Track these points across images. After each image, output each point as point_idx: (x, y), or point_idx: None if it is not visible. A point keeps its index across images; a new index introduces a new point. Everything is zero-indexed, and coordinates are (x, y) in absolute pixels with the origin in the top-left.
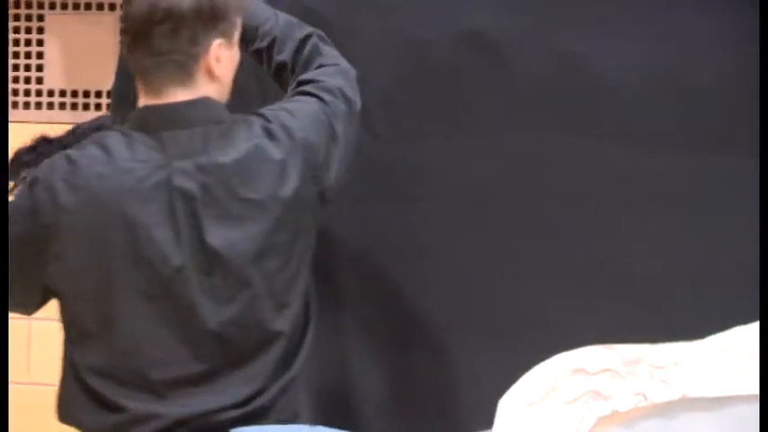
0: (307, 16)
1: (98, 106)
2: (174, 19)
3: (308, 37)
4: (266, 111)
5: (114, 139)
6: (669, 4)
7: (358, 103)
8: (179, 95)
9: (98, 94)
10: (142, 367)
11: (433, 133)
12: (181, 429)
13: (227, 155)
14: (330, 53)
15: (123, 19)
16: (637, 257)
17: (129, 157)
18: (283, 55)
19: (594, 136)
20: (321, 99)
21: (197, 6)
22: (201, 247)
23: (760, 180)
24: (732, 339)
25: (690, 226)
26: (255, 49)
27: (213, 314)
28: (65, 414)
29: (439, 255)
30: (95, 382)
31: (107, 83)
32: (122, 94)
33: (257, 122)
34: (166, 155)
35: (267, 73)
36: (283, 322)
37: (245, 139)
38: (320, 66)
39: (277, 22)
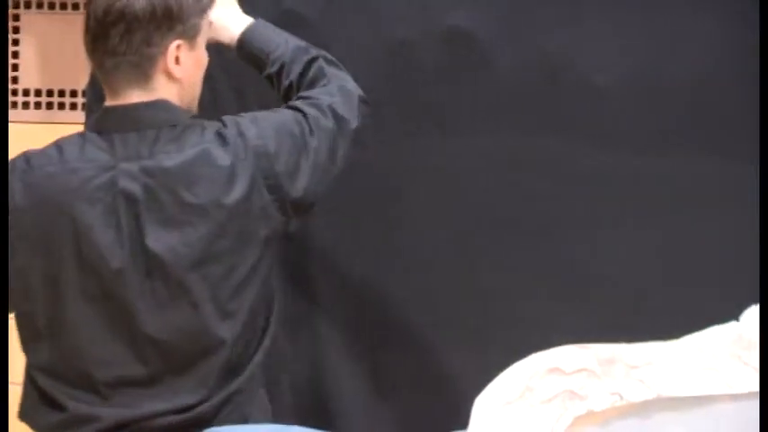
0: (289, 18)
1: (73, 105)
2: (127, 20)
3: (313, 60)
4: (229, 117)
5: (70, 141)
6: (647, 4)
7: (352, 123)
8: (135, 97)
9: (73, 94)
10: (87, 368)
11: (414, 132)
12: None
13: (173, 159)
14: (335, 74)
15: (85, 19)
16: (613, 258)
17: (77, 158)
18: (289, 78)
19: (576, 136)
20: (300, 111)
21: (150, 8)
22: (142, 250)
23: (760, 181)
24: (708, 339)
25: (664, 226)
26: (267, 75)
27: (152, 318)
28: (21, 413)
29: (414, 254)
30: (44, 382)
31: (82, 82)
32: (97, 94)
33: (212, 127)
34: (114, 156)
35: (278, 98)
36: (227, 330)
37: (193, 144)
38: (323, 86)
39: (287, 48)
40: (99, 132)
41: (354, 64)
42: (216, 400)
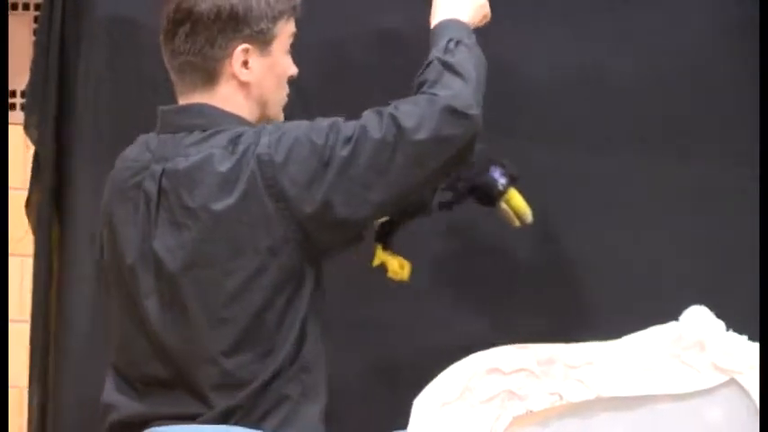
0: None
1: (12, 106)
2: (192, 19)
3: (430, 63)
4: (263, 125)
5: (140, 138)
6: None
7: (417, 133)
8: (196, 98)
9: (12, 94)
10: (125, 363)
11: None
12: (121, 428)
13: (185, 162)
14: (440, 80)
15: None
16: (555, 258)
17: (132, 156)
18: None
19: (516, 136)
20: (339, 120)
21: (215, 9)
22: (149, 249)
23: (760, 182)
24: (648, 339)
25: (606, 226)
26: None
27: (159, 318)
28: None
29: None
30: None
31: (22, 83)
32: (36, 94)
33: (232, 133)
34: (152, 157)
35: None
36: (221, 338)
37: (205, 148)
38: (422, 91)
39: (436, 49)
40: (158, 132)
41: None
42: (214, 413)
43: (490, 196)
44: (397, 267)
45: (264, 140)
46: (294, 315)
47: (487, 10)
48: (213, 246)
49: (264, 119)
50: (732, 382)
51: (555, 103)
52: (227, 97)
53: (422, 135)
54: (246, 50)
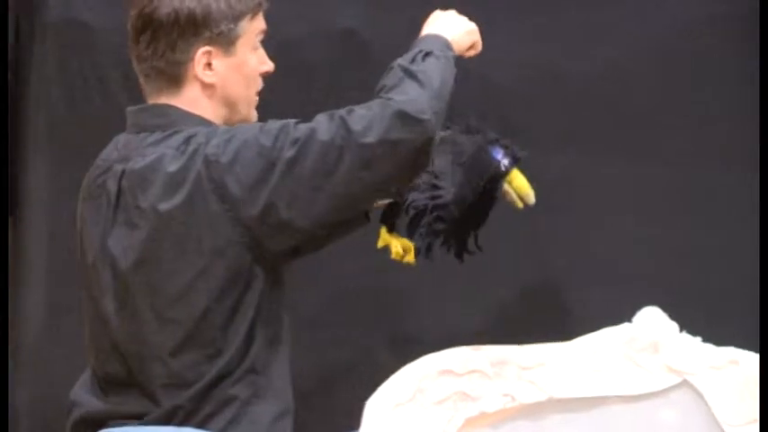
0: None
1: None
2: (153, 26)
3: (391, 68)
4: (216, 126)
5: (115, 138)
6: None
7: (365, 136)
8: (162, 100)
9: None
10: (92, 360)
11: None
12: (83, 426)
13: (140, 162)
14: (399, 85)
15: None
16: (508, 258)
17: (102, 156)
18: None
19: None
20: (291, 122)
21: (174, 14)
22: (105, 248)
23: (760, 183)
24: (600, 340)
25: (561, 227)
26: None
27: (115, 317)
28: None
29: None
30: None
31: None
32: None
33: (187, 134)
34: (117, 157)
35: None
36: (166, 338)
37: (160, 149)
38: (380, 95)
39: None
40: (126, 132)
41: None
42: (159, 412)
43: (492, 178)
44: (401, 249)
45: (214, 141)
46: (242, 317)
47: (477, 39)
48: (160, 246)
49: (235, 118)
50: (685, 383)
51: (517, 101)
52: (192, 99)
53: (370, 138)
54: (209, 53)
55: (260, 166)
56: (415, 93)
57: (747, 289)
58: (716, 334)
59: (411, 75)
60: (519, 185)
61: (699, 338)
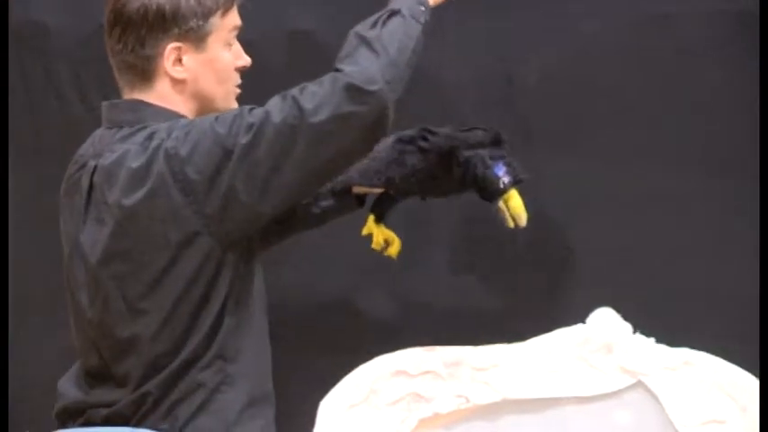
0: None
1: None
2: (123, 21)
3: (349, 35)
4: (180, 119)
5: (93, 133)
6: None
7: (316, 115)
8: (134, 95)
9: None
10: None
11: None
12: (65, 415)
13: (109, 158)
14: (353, 53)
15: None
16: (461, 260)
17: (79, 152)
18: None
19: None
20: (246, 108)
21: (143, 10)
22: (78, 243)
23: (760, 185)
24: (554, 341)
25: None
26: None
27: (88, 309)
28: None
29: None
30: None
31: None
32: None
33: (152, 129)
34: (91, 153)
35: None
36: (141, 328)
37: (127, 144)
38: (336, 67)
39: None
40: (102, 127)
41: None
42: (128, 399)
43: (490, 192)
44: (381, 241)
45: (173, 135)
46: (211, 304)
47: None
48: (127, 240)
49: (211, 113)
50: (639, 384)
51: (455, 100)
52: (163, 94)
53: (321, 115)
54: (178, 48)
55: (217, 154)
56: (366, 62)
57: (704, 289)
58: (671, 335)
59: (365, 42)
60: (514, 206)
61: (652, 339)
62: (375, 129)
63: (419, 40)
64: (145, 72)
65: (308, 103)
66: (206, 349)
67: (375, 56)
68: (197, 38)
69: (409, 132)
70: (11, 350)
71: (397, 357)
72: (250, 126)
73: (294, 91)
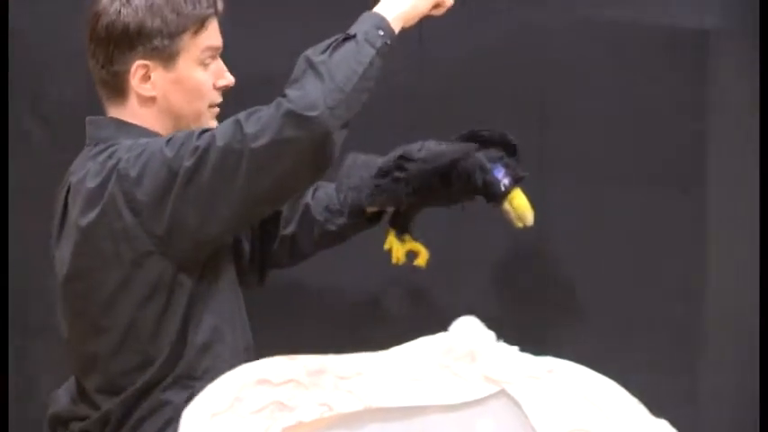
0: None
1: None
2: (94, 39)
3: (300, 59)
4: (140, 140)
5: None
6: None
7: (257, 139)
8: (111, 112)
9: None
10: None
11: None
12: (54, 422)
13: (78, 177)
14: (300, 78)
15: None
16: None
17: (70, 169)
18: None
19: None
20: (195, 130)
21: (111, 27)
22: (54, 260)
23: (760, 180)
24: (417, 350)
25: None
26: None
27: (63, 324)
28: None
29: None
30: None
31: None
32: None
33: (116, 147)
34: (72, 169)
35: None
36: (101, 345)
37: (90, 163)
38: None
39: None
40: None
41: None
42: (96, 416)
43: (491, 196)
44: (401, 256)
45: (126, 156)
46: (170, 324)
47: None
48: (85, 259)
49: (141, 130)
50: (503, 393)
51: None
52: (135, 112)
53: (262, 140)
54: (145, 66)
55: (164, 176)
56: (311, 87)
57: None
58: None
59: (312, 67)
60: (518, 205)
61: (516, 347)
62: (317, 154)
63: (373, 65)
64: (116, 89)
65: (250, 128)
66: (171, 369)
67: (320, 81)
68: (165, 56)
69: (387, 162)
70: (11, 350)
71: (260, 366)
72: (195, 149)
73: (242, 115)
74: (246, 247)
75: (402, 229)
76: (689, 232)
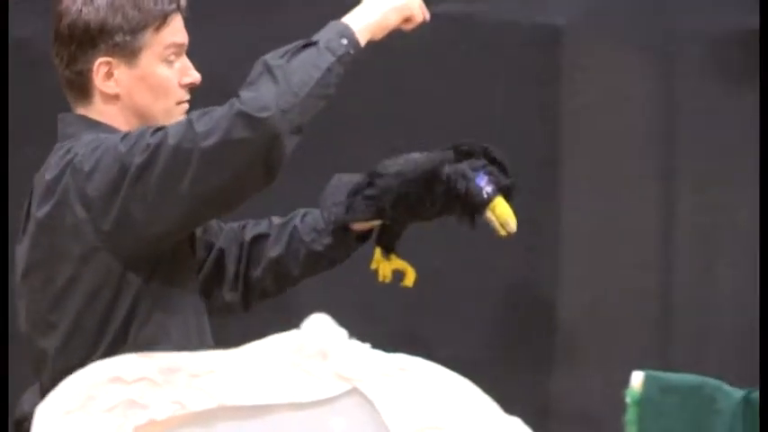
0: None
1: None
2: (57, 38)
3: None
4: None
5: None
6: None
7: (205, 139)
8: (78, 110)
9: None
10: None
11: None
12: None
13: (39, 172)
14: (254, 80)
15: None
16: None
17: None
18: None
19: None
20: (146, 127)
21: (72, 25)
22: (15, 256)
23: (760, 180)
24: (269, 348)
25: None
26: None
27: (22, 321)
28: None
29: None
30: None
31: None
32: None
33: (73, 143)
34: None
35: None
36: (49, 341)
37: (52, 158)
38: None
39: None
40: None
41: None
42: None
43: (474, 205)
44: (388, 274)
45: (83, 150)
46: (113, 322)
47: (411, 11)
48: (39, 252)
49: (104, 127)
50: (355, 390)
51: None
52: (100, 110)
53: (211, 140)
54: (108, 63)
55: (115, 172)
56: (264, 89)
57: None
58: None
59: (268, 70)
60: (500, 213)
61: (368, 345)
62: (266, 157)
63: (331, 71)
64: (81, 87)
65: (201, 127)
66: None
67: (275, 84)
68: (127, 53)
69: (357, 180)
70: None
71: (113, 363)
72: (147, 146)
73: (195, 114)
74: (230, 267)
75: (388, 248)
76: None
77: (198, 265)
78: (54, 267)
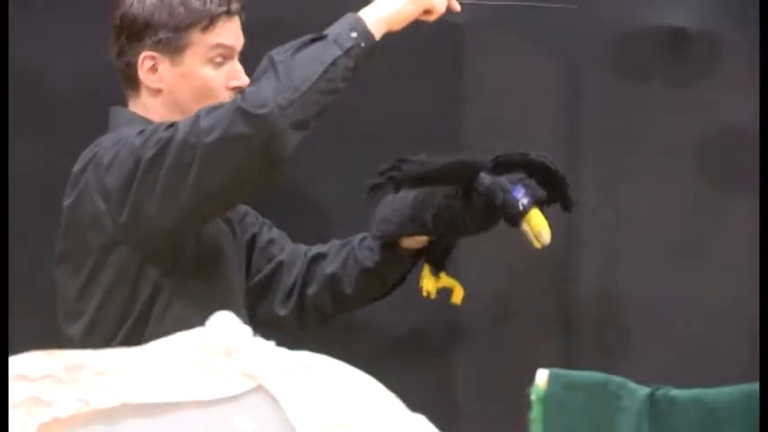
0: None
1: None
2: (113, 29)
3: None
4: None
5: None
6: None
7: (208, 135)
8: (129, 103)
9: None
10: None
11: None
12: None
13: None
14: (260, 76)
15: None
16: None
17: None
18: None
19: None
20: (159, 124)
21: (122, 16)
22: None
23: (760, 181)
24: (174, 345)
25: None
26: None
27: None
28: None
29: None
30: None
31: None
32: None
33: (111, 134)
34: None
35: None
36: (76, 329)
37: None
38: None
39: None
40: None
41: None
42: None
43: (510, 216)
44: (432, 290)
45: (106, 143)
46: (132, 314)
47: (429, 3)
48: (67, 241)
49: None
50: (260, 388)
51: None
52: (146, 103)
53: (213, 135)
54: (152, 57)
55: (130, 165)
56: (266, 85)
57: None
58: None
59: (272, 65)
60: (535, 224)
61: (273, 342)
62: (265, 153)
63: (337, 65)
64: (129, 79)
65: (205, 123)
66: None
67: (276, 80)
68: (171, 49)
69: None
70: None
71: (18, 361)
72: (158, 140)
73: (203, 110)
74: (287, 280)
75: (437, 266)
76: None
77: (250, 272)
78: (80, 257)
